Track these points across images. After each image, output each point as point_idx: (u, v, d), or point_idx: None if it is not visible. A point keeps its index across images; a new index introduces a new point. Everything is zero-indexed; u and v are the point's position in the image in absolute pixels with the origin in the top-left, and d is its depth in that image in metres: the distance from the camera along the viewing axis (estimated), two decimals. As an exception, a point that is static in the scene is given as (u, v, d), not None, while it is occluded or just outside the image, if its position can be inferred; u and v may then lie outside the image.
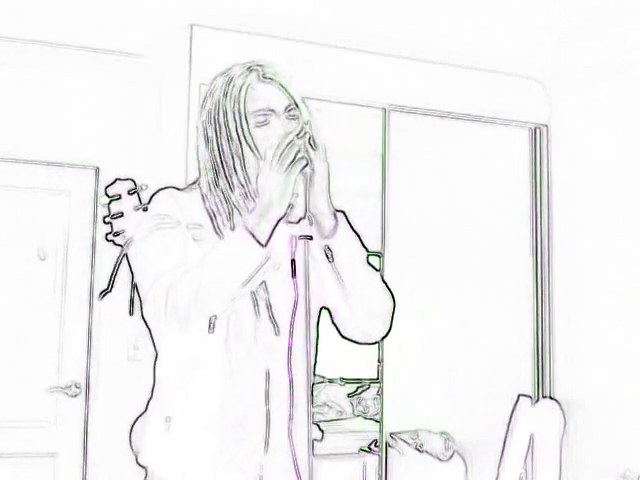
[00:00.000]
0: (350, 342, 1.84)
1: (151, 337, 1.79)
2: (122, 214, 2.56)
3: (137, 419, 1.83)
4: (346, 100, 3.64)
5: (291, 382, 1.75)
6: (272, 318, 1.75)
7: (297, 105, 1.79)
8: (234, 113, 1.75)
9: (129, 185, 2.59)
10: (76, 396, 3.58)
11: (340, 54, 3.60)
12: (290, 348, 1.76)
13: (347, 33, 3.48)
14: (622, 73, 3.55)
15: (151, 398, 1.80)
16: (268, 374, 1.74)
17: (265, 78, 1.79)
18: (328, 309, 1.84)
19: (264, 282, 1.73)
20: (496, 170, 3.95)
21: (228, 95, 1.76)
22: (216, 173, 1.77)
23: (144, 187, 2.59)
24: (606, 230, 3.65)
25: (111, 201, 2.59)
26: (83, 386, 3.58)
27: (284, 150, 1.63)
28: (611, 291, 3.60)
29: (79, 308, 3.61)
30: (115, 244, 2.51)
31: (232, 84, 1.77)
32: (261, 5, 3.22)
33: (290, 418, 1.75)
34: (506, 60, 3.79)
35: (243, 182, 1.75)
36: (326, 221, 1.72)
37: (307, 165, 1.65)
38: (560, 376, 3.88)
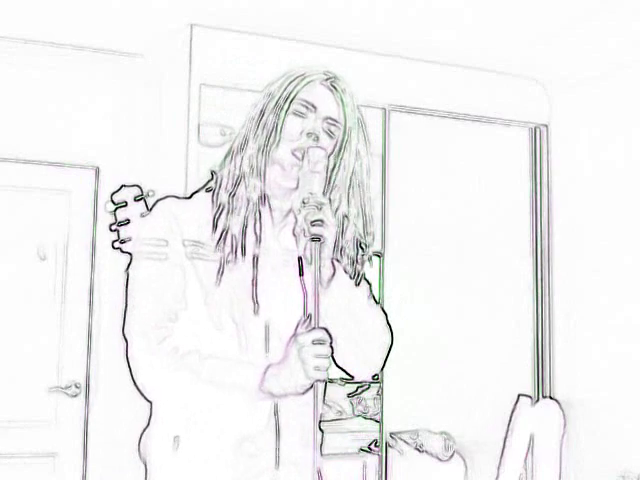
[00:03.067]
0: (344, 372, 1.83)
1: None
2: (128, 221, 2.53)
3: (143, 432, 1.79)
4: (346, 100, 3.63)
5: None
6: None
7: (345, 127, 1.75)
8: (282, 91, 1.72)
9: (135, 191, 2.55)
10: (76, 396, 3.57)
11: (340, 54, 3.60)
12: None
13: (347, 33, 3.48)
14: (622, 73, 3.55)
15: (151, 415, 1.76)
16: None
17: (332, 85, 1.76)
18: None
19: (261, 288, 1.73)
20: (496, 170, 3.95)
21: (289, 80, 1.74)
22: (241, 142, 1.74)
23: (151, 193, 2.56)
24: (606, 230, 3.65)
25: (117, 208, 2.56)
26: (83, 386, 3.58)
27: (307, 350, 1.61)
28: (611, 291, 3.60)
29: (79, 308, 3.61)
30: (122, 251, 2.48)
31: (298, 74, 1.75)
32: (261, 5, 3.22)
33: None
34: (506, 60, 3.79)
35: (254, 153, 1.71)
36: (326, 273, 1.71)
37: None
38: (560, 376, 3.87)
